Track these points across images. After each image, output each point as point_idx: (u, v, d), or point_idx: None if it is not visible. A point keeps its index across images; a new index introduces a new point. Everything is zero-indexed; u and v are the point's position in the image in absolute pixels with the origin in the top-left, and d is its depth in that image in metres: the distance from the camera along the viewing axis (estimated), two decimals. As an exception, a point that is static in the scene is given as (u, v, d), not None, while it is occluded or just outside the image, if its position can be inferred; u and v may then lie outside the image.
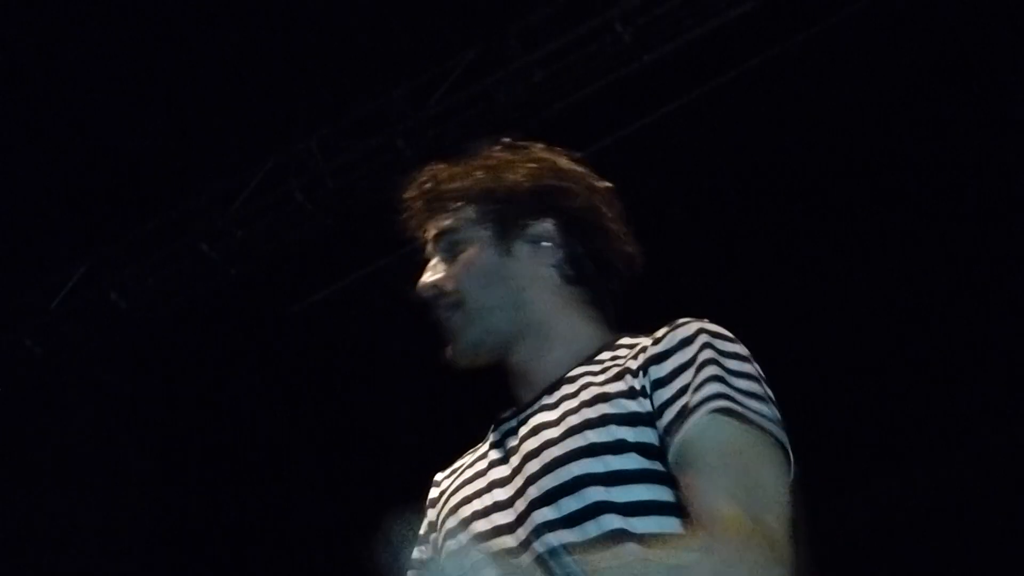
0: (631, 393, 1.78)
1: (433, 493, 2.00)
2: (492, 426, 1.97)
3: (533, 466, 1.78)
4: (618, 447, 1.74)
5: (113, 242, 4.16)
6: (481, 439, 2.03)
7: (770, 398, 1.77)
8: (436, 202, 1.94)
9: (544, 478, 1.76)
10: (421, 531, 2.00)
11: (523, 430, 1.85)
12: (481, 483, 1.87)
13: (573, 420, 1.78)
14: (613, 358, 1.86)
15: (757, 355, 1.82)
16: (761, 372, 1.80)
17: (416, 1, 3.65)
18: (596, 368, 1.85)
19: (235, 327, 4.28)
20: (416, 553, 2.01)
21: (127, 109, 3.80)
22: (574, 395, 1.81)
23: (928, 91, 3.37)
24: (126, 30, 3.64)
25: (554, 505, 1.74)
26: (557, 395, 1.84)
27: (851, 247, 3.70)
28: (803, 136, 3.54)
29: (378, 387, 4.07)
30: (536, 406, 1.87)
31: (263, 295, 4.21)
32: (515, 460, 1.83)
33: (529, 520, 1.75)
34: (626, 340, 1.90)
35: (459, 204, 1.92)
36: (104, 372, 4.32)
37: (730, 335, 1.82)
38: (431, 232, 1.93)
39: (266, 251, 4.13)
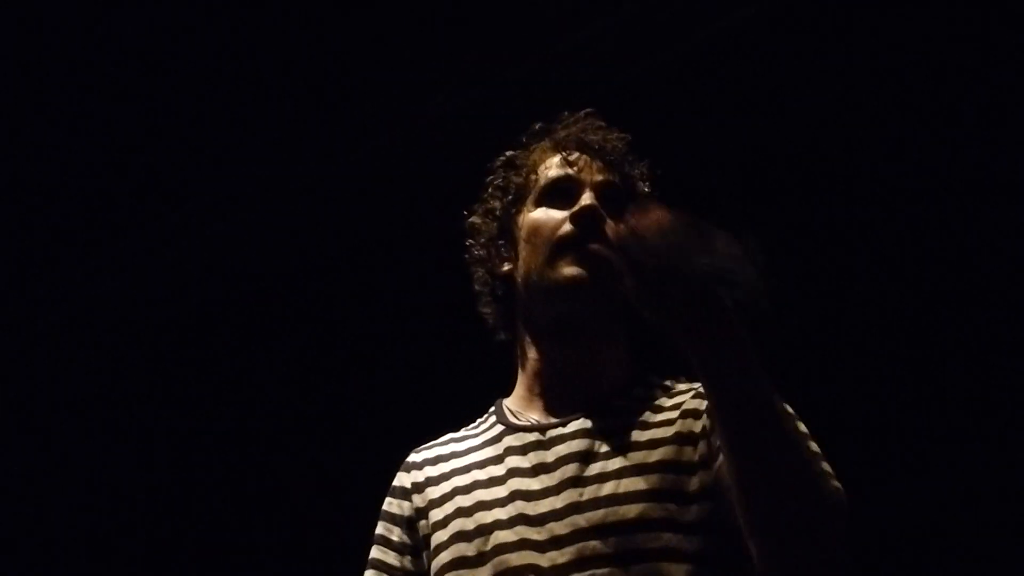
0: (699, 462, 1.77)
1: (416, 477, 1.95)
2: (502, 425, 1.93)
3: (586, 503, 1.75)
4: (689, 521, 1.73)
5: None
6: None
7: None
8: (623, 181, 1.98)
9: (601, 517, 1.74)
10: (394, 510, 1.95)
11: (560, 449, 1.83)
12: (501, 491, 1.83)
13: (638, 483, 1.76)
14: (652, 401, 1.86)
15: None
16: None
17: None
18: (642, 410, 1.84)
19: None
20: (383, 529, 1.95)
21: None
22: (629, 444, 1.80)
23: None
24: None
25: (605, 541, 1.72)
26: (601, 425, 1.83)
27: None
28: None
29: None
30: (569, 427, 1.86)
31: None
32: (548, 480, 1.81)
33: (571, 547, 1.73)
34: (657, 381, 1.92)
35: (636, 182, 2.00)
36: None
37: None
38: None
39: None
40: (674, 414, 1.83)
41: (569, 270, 1.86)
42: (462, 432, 2.00)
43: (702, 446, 1.76)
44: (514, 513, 1.79)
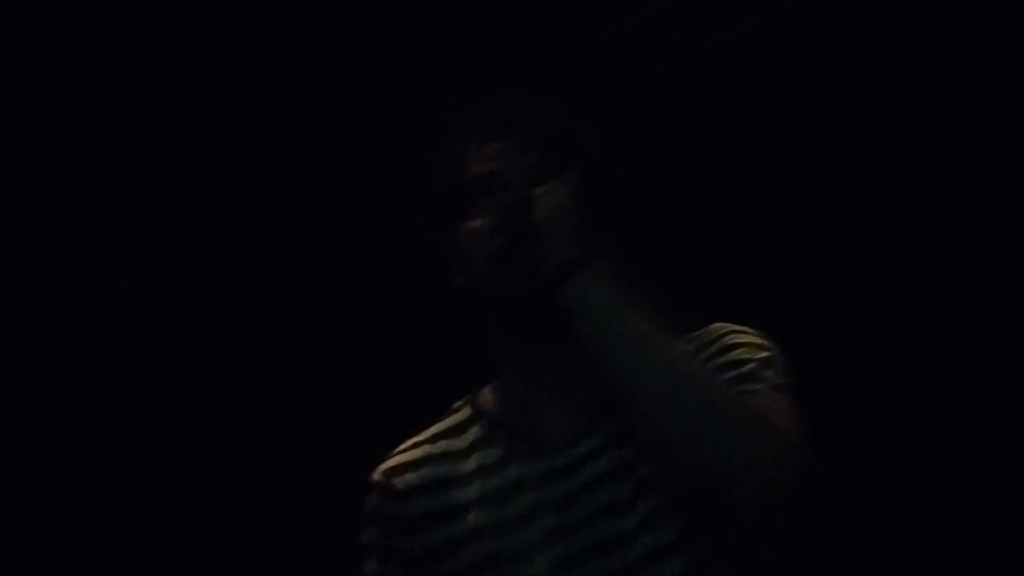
0: None
1: (405, 509, 1.78)
2: (500, 450, 1.78)
3: (630, 534, 1.65)
4: None
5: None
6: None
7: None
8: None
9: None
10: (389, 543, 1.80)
11: (580, 477, 1.71)
12: (532, 535, 1.69)
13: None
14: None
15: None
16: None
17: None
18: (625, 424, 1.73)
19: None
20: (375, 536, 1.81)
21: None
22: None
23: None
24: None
25: None
26: (605, 443, 1.72)
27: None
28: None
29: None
30: (580, 448, 1.73)
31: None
32: (579, 511, 1.69)
33: None
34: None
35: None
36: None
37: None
38: None
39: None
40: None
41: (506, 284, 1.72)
42: (441, 445, 1.82)
43: None
44: (562, 557, 1.67)
